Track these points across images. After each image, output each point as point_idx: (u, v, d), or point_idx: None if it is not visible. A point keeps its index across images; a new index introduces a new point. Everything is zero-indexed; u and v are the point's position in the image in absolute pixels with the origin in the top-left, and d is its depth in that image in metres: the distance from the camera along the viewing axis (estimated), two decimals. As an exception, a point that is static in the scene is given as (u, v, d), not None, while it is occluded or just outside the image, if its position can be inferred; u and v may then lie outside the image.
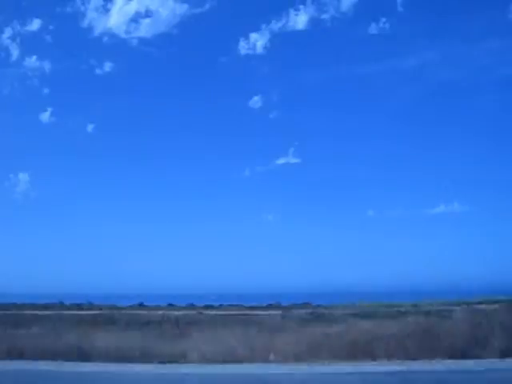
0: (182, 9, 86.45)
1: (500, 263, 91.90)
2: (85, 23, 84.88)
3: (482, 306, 26.57)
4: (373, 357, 13.12)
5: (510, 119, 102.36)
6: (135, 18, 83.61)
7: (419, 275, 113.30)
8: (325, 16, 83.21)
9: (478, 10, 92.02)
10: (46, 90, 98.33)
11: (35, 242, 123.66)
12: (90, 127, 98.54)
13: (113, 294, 76.52)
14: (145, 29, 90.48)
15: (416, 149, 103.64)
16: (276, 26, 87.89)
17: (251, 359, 13.34)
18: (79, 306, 43.64)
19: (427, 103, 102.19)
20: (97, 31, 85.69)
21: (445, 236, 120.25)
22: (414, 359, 12.89)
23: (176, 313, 32.59)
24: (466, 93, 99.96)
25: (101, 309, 38.13)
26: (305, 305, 43.22)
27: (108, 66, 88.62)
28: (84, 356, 13.76)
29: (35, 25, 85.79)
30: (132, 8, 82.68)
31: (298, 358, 13.20)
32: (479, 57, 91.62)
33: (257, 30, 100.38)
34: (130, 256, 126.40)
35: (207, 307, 43.63)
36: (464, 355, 13.00)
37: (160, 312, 32.84)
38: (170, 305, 46.66)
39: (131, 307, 42.65)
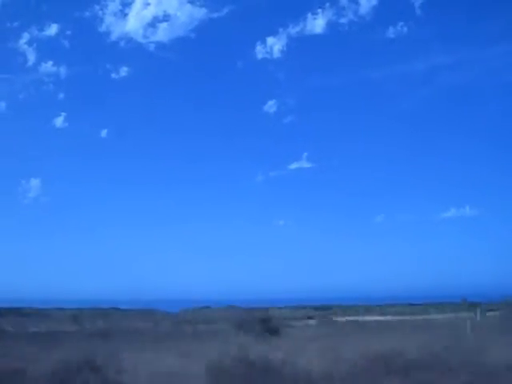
0: (200, 13, 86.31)
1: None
2: (102, 28, 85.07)
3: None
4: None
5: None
6: (153, 23, 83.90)
7: (430, 280, 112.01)
8: (343, 20, 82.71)
9: (491, 14, 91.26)
10: (61, 95, 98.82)
11: (46, 247, 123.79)
12: (103, 132, 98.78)
13: (125, 299, 76.47)
14: (162, 33, 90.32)
15: (427, 153, 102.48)
16: (294, 30, 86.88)
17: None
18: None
19: (439, 107, 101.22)
20: (114, 36, 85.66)
21: (456, 240, 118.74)
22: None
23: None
24: (478, 97, 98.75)
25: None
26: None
27: (124, 71, 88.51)
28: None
29: (53, 29, 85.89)
30: (150, 12, 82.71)
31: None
32: (491, 61, 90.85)
33: (274, 34, 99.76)
34: (142, 260, 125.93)
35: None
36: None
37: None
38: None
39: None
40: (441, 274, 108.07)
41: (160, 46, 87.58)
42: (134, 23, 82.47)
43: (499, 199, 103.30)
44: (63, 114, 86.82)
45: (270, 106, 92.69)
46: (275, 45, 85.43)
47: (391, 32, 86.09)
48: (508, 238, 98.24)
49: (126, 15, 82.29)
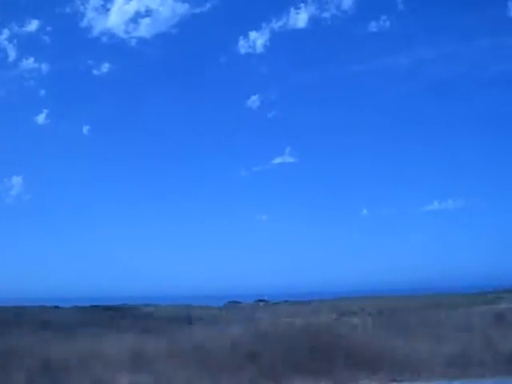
0: (183, 8, 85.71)
1: (496, 258, 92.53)
2: (84, 23, 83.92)
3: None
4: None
5: (505, 116, 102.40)
6: (135, 18, 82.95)
7: (414, 273, 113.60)
8: (326, 14, 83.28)
9: (474, 8, 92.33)
10: (42, 92, 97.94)
11: (28, 245, 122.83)
12: (85, 129, 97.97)
13: (103, 297, 75.98)
14: (144, 28, 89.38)
15: (411, 146, 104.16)
16: (276, 24, 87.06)
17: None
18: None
19: (423, 100, 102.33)
20: (96, 31, 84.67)
21: (439, 233, 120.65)
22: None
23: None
24: (461, 90, 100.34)
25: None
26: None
27: (106, 67, 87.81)
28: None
29: (33, 25, 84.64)
30: (132, 7, 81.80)
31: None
32: (474, 54, 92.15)
33: (257, 28, 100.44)
34: (125, 258, 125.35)
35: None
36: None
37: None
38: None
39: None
40: (427, 267, 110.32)
41: (142, 41, 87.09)
42: (115, 18, 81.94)
43: (482, 191, 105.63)
44: (45, 110, 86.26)
45: (254, 100, 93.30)
46: (258, 39, 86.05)
47: (373, 26, 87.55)
48: (490, 229, 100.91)
49: (107, 10, 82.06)
